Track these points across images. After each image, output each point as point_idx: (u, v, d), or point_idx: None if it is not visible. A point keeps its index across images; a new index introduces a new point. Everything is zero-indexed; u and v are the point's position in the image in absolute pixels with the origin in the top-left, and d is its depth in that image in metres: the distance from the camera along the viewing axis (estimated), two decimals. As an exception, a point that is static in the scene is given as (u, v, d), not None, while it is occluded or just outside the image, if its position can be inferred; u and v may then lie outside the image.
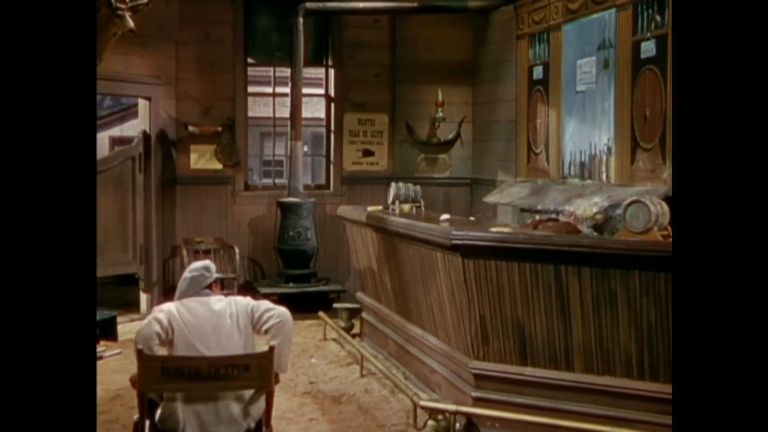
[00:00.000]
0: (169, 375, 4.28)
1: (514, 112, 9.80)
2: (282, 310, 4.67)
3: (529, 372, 5.71)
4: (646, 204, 5.46)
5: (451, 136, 10.91)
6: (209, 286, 4.79)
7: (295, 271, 10.04)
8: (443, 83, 10.71)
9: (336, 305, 9.28)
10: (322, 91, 11.26)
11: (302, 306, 9.74)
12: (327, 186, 11.10)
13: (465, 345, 6.03)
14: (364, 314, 8.66)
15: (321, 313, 9.12)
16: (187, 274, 4.80)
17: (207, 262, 4.90)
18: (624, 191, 7.44)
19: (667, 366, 5.20)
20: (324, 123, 11.19)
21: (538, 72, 9.26)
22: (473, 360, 5.94)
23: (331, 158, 11.01)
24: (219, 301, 4.69)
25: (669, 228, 5.66)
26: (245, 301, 4.76)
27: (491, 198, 9.75)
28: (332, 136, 10.99)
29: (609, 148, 7.93)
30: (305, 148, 17.02)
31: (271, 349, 4.41)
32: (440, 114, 10.66)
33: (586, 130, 8.28)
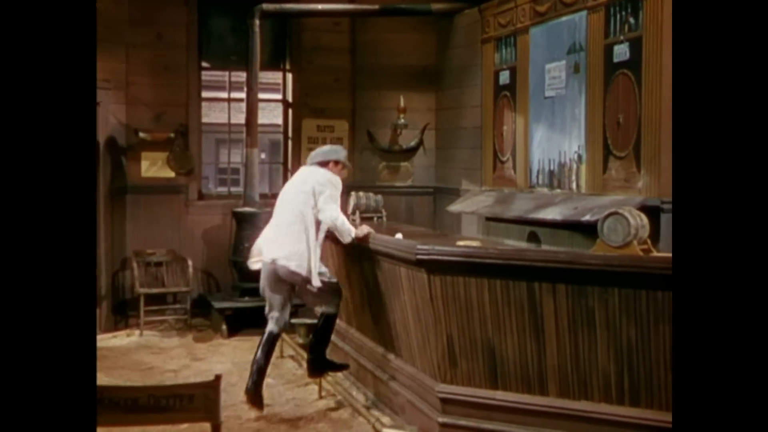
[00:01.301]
0: (103, 406, 3.81)
1: (479, 118, 9.45)
2: (328, 215, 6.14)
3: (500, 396, 5.33)
4: (625, 216, 5.10)
5: (413, 144, 10.58)
6: (317, 162, 6.38)
7: (250, 284, 9.45)
8: (405, 89, 10.38)
9: (294, 320, 8.82)
10: (279, 96, 10.86)
11: (258, 321, 9.29)
12: None
13: (431, 366, 5.63)
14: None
15: (278, 329, 8.66)
16: None
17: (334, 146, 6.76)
18: (595, 201, 7.10)
19: (649, 390, 4.85)
20: (281, 129, 10.77)
21: (504, 77, 8.91)
22: (440, 383, 5.55)
23: (289, 166, 10.59)
24: (305, 170, 6.43)
25: (649, 241, 5.31)
26: (316, 179, 6.24)
27: (455, 207, 9.39)
28: (290, 143, 10.59)
29: (580, 156, 7.59)
30: (262, 156, 16.61)
31: (217, 378, 3.98)
32: (402, 121, 10.33)
33: (556, 138, 7.94)
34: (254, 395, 6.43)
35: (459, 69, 10.06)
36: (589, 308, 4.92)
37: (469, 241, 5.67)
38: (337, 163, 6.48)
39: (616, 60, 7.05)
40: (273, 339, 6.58)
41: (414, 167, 10.67)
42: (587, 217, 6.82)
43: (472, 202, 9.09)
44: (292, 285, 6.42)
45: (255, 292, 9.40)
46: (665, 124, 6.52)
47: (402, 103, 10.26)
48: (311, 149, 10.14)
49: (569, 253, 5.24)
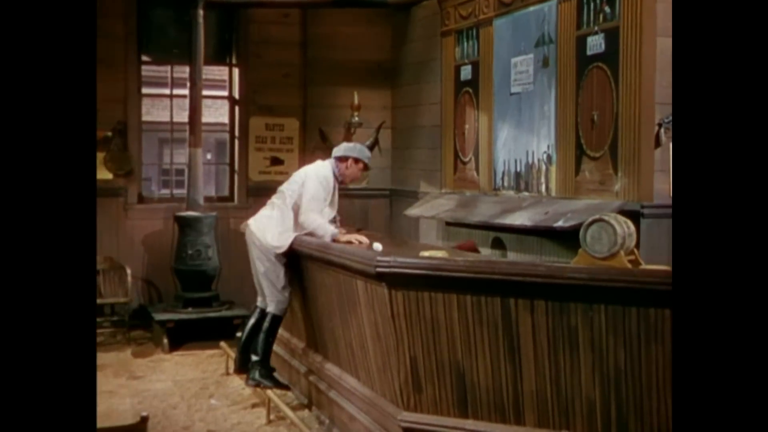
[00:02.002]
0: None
1: (438, 116, 8.92)
2: (302, 219, 6.20)
3: (471, 425, 4.74)
4: (611, 224, 4.54)
5: (368, 143, 9.71)
6: (338, 157, 6.39)
7: (194, 294, 8.91)
8: (360, 85, 9.78)
9: (240, 334, 8.17)
10: (225, 93, 10.25)
11: (203, 334, 8.75)
12: (231, 198, 10.06)
13: (392, 392, 5.03)
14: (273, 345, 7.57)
15: (223, 344, 8.03)
16: None
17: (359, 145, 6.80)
18: (568, 205, 6.57)
19: (639, 418, 4.29)
20: (228, 128, 10.12)
21: (466, 72, 8.37)
22: (402, 410, 4.95)
23: (236, 167, 9.96)
24: (318, 162, 6.56)
25: (636, 252, 4.76)
26: (313, 172, 6.39)
27: (413, 211, 8.82)
28: (236, 142, 9.96)
29: (549, 157, 7.06)
30: (208, 156, 15.91)
31: (144, 420, 3.36)
32: (356, 119, 9.71)
33: (523, 137, 7.41)
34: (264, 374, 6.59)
35: (417, 64, 9.54)
36: (571, 327, 4.35)
37: (435, 252, 5.08)
38: (357, 161, 6.42)
39: (590, 52, 6.53)
40: (272, 320, 6.56)
41: (369, 168, 9.95)
42: (560, 223, 6.27)
43: (432, 206, 8.53)
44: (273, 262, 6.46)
45: (199, 303, 8.87)
46: (645, 122, 6.00)
47: (356, 101, 9.66)
48: (259, 149, 9.78)
49: (549, 266, 4.65)
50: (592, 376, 4.37)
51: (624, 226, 4.57)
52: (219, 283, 9.16)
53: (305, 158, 9.59)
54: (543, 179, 7.15)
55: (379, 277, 4.83)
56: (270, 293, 6.52)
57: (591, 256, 4.57)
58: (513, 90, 7.57)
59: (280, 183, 9.32)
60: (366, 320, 5.25)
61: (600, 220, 4.59)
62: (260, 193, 9.56)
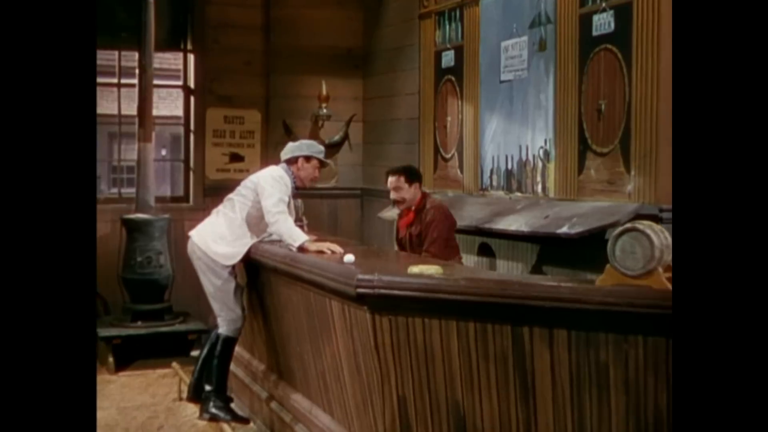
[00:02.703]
0: None
1: (416, 108, 8.09)
2: (273, 222, 5.40)
3: (473, 480, 3.87)
4: (647, 234, 3.68)
5: (337, 138, 9.21)
6: (288, 160, 5.76)
7: (144, 306, 7.97)
8: (328, 74, 9.01)
9: (195, 353, 7.26)
10: (179, 82, 9.29)
11: (153, 351, 7.83)
12: (186, 198, 9.13)
13: (375, 436, 4.15)
14: (232, 366, 6.65)
15: (175, 365, 7.12)
16: None
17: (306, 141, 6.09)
18: (571, 208, 5.74)
19: (683, 476, 3.43)
20: (182, 121, 9.20)
21: (448, 58, 7.54)
22: (388, 459, 4.07)
23: (191, 164, 9.04)
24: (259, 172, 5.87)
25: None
26: (263, 175, 5.71)
27: (388, 213, 7.93)
28: (192, 136, 9.04)
29: (547, 153, 6.22)
30: (163, 152, 14.92)
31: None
32: (324, 111, 8.97)
33: (515, 130, 6.58)
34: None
35: (391, 50, 8.70)
36: (600, 363, 3.50)
37: (426, 267, 4.19)
38: (308, 159, 5.77)
39: (596, 33, 5.69)
40: (225, 344, 5.82)
41: (338, 165, 9.27)
42: (565, 230, 5.43)
43: None
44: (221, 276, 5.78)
45: (150, 316, 7.92)
46: (663, 112, 5.16)
47: (324, 91, 8.93)
48: (217, 144, 8.89)
49: (573, 287, 3.77)
50: (626, 423, 3.52)
51: (661, 237, 3.71)
52: (172, 294, 8.23)
53: (268, 154, 8.81)
54: (539, 178, 6.32)
55: (360, 299, 3.95)
56: (220, 312, 5.78)
57: (621, 273, 3.70)
58: (503, 77, 6.74)
59: (240, 182, 8.63)
60: (342, 349, 4.37)
61: (633, 229, 3.72)
62: (218, 193, 8.55)
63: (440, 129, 7.66)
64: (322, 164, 5.87)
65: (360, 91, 9.34)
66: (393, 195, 6.10)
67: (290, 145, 5.90)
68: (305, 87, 9.04)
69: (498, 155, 6.82)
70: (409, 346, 3.89)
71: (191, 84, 9.03)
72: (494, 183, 6.89)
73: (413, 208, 6.04)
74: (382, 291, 3.87)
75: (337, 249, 5.11)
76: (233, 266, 5.72)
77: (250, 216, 5.67)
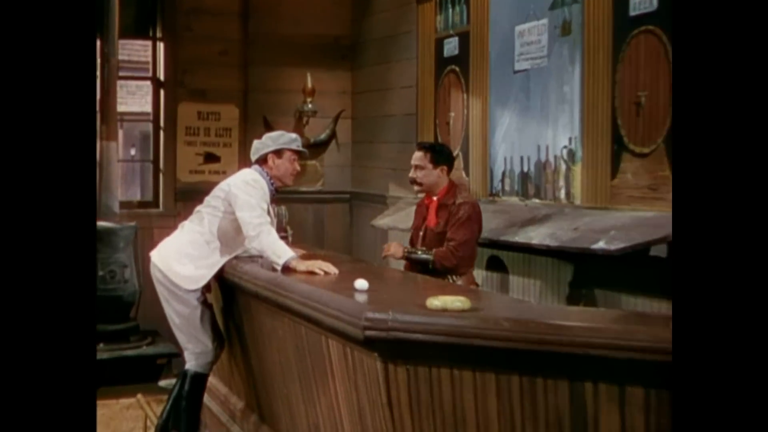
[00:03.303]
0: None
1: (413, 103, 7.28)
2: (253, 235, 4.54)
3: None
4: None
5: (323, 137, 8.47)
6: (258, 161, 4.95)
7: (107, 326, 7.05)
8: (313, 66, 8.28)
9: (163, 383, 6.38)
10: (148, 73, 8.53)
11: (117, 377, 6.91)
12: (155, 203, 8.31)
13: None
14: (206, 399, 5.74)
15: (140, 397, 6.20)
16: None
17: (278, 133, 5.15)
18: (605, 219, 4.90)
19: None
20: (151, 117, 8.40)
21: (451, 47, 6.74)
22: None
23: (161, 164, 8.25)
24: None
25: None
26: (233, 181, 4.86)
27: (383, 221, 7.15)
28: (162, 134, 8.25)
29: (571, 153, 5.40)
30: (132, 152, 13.97)
31: None
32: (309, 106, 8.21)
33: (532, 127, 5.77)
34: None
35: (384, 39, 7.89)
36: None
37: (450, 299, 3.31)
38: (279, 153, 4.95)
39: (634, 12, 4.86)
40: (194, 382, 5.03)
41: (324, 167, 8.55)
42: (601, 245, 4.58)
43: (407, 215, 6.82)
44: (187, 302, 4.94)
45: (113, 337, 7.06)
46: (721, 105, 4.31)
47: (309, 84, 8.17)
48: (189, 143, 8.14)
49: (655, 333, 2.89)
50: None
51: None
52: (139, 312, 7.37)
53: (247, 154, 7.90)
54: (562, 182, 5.49)
55: (369, 344, 3.08)
56: (187, 345, 4.99)
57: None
58: (518, 67, 5.92)
59: (216, 185, 7.92)
60: (343, 401, 3.49)
61: None
62: (191, 197, 7.83)
63: (442, 126, 6.86)
64: (298, 154, 5.05)
65: (349, 84, 8.60)
66: (411, 173, 5.25)
67: (255, 143, 5.13)
68: (288, 80, 8.31)
69: (511, 156, 6.01)
70: (432, 405, 3.02)
71: (161, 76, 8.25)
72: (507, 187, 6.08)
73: (436, 197, 5.17)
74: (399, 334, 2.99)
75: (331, 269, 4.29)
76: (201, 290, 4.85)
77: (221, 230, 4.85)
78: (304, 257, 4.50)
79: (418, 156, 5.25)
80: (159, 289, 4.93)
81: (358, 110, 8.50)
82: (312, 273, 4.26)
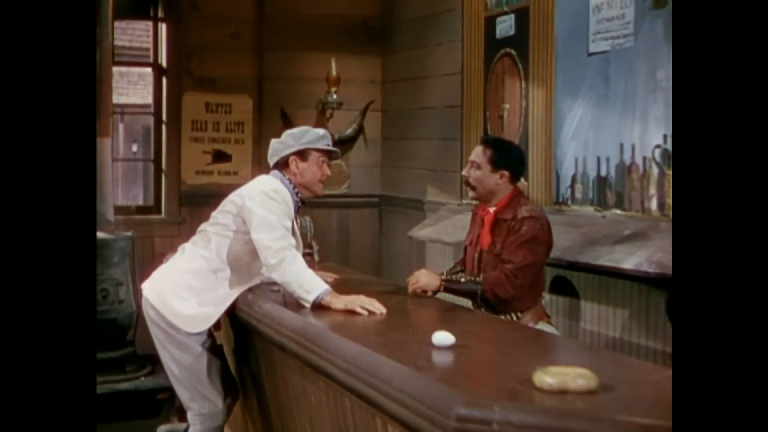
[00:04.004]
0: None
1: (457, 93, 6.34)
2: (273, 264, 3.62)
3: None
4: None
5: (349, 132, 7.60)
6: (277, 165, 4.04)
7: (99, 353, 6.02)
8: (338, 50, 7.38)
9: (164, 428, 5.38)
10: (148, 59, 7.67)
11: (111, 414, 5.95)
12: (156, 209, 7.43)
13: None
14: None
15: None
16: None
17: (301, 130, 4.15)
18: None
19: None
20: (152, 110, 7.55)
21: (505, 26, 5.79)
22: None
23: (163, 164, 7.37)
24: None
25: None
26: (248, 191, 3.91)
27: (423, 232, 6.24)
28: (164, 129, 7.37)
29: (667, 154, 4.40)
30: (134, 149, 13.05)
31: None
32: (334, 97, 7.30)
33: (612, 121, 4.80)
34: None
35: (422, 19, 6.96)
36: None
37: (570, 373, 2.28)
38: (303, 155, 4.03)
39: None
40: None
41: (351, 167, 7.69)
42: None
43: (452, 225, 5.92)
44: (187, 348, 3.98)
45: (107, 367, 6.18)
46: None
47: (333, 72, 7.25)
48: (196, 140, 7.32)
49: None
50: None
51: None
52: (137, 336, 6.40)
53: (261, 153, 7.16)
54: (653, 190, 4.50)
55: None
56: (191, 403, 4.03)
57: None
58: (594, 48, 4.94)
59: (227, 188, 7.16)
60: None
61: None
62: (198, 202, 7.18)
63: (493, 120, 5.91)
64: (328, 155, 4.11)
65: (378, 72, 7.72)
66: (464, 170, 4.24)
67: (274, 144, 4.17)
68: (309, 67, 7.47)
69: (584, 156, 5.03)
70: None
71: (162, 62, 7.37)
72: (578, 195, 5.08)
73: (493, 209, 4.14)
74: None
75: (377, 307, 3.37)
76: (208, 332, 3.87)
77: (233, 255, 3.92)
78: (337, 287, 3.53)
79: (477, 151, 4.22)
80: (153, 331, 3.96)
81: (389, 102, 7.62)
82: (352, 312, 3.32)
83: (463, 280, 3.96)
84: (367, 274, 6.27)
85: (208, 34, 7.27)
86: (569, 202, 5.14)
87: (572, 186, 5.12)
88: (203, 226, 4.02)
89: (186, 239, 6.81)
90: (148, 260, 6.71)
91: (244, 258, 3.83)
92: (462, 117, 6.22)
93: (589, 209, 4.97)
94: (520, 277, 3.94)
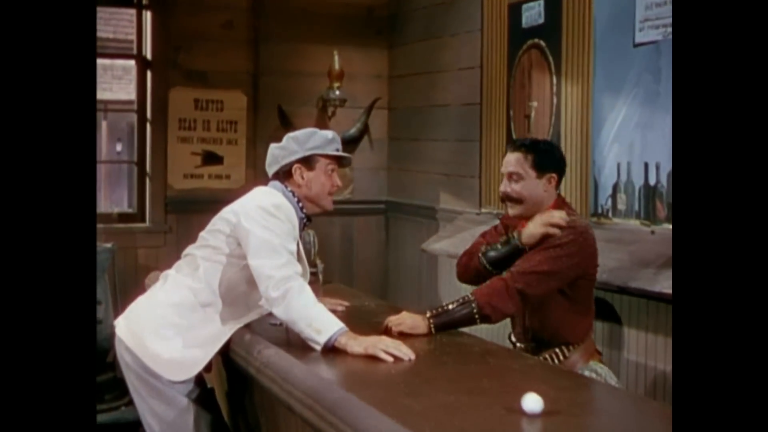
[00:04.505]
0: None
1: (475, 89, 5.69)
2: (274, 297, 3.01)
3: None
4: None
5: (353, 132, 6.91)
6: (278, 175, 3.44)
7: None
8: (341, 42, 6.76)
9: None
10: (132, 51, 6.93)
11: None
12: (140, 216, 6.73)
13: None
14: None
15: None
16: None
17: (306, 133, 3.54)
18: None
19: None
20: (135, 106, 6.83)
21: (532, 14, 5.16)
22: None
23: (148, 168, 6.67)
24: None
25: None
26: (243, 208, 3.28)
27: (438, 245, 5.61)
28: (149, 128, 6.68)
29: (734, 161, 3.74)
30: (118, 148, 12.38)
31: None
32: (336, 93, 6.67)
33: (663, 122, 4.17)
34: None
35: (435, 8, 6.29)
36: None
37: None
38: (308, 163, 3.47)
39: None
40: None
41: (354, 170, 6.96)
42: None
43: (473, 238, 5.24)
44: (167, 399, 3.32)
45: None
46: None
47: (336, 65, 6.60)
48: (184, 140, 6.70)
49: None
50: None
51: None
52: (117, 360, 5.76)
53: (257, 155, 6.56)
54: (715, 203, 3.84)
55: None
56: None
57: None
58: (641, 38, 4.32)
59: (219, 194, 6.62)
60: None
61: None
62: (186, 209, 6.54)
63: (518, 120, 5.27)
64: (338, 162, 3.57)
65: (385, 66, 7.04)
66: (503, 186, 3.58)
67: (273, 150, 3.55)
68: (309, 60, 6.84)
69: (629, 162, 4.42)
70: None
71: (147, 54, 6.65)
72: (620, 206, 4.47)
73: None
74: None
75: (405, 353, 2.77)
76: (195, 379, 3.22)
77: (226, 285, 3.29)
78: (348, 319, 2.92)
79: (513, 159, 3.57)
80: (129, 378, 3.33)
81: (397, 99, 6.94)
82: (374, 357, 2.71)
83: (451, 307, 3.32)
84: (376, 296, 5.69)
85: (197, 23, 6.61)
86: (609, 214, 4.52)
87: (613, 196, 4.50)
88: (189, 249, 3.38)
89: (172, 250, 6.30)
90: (130, 275, 6.12)
91: (240, 288, 3.19)
92: (481, 116, 5.60)
93: (634, 222, 4.36)
94: (520, 282, 3.32)
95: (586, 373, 3.38)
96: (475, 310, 3.27)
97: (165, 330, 3.17)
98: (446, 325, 3.30)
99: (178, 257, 3.72)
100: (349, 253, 6.81)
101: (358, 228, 6.91)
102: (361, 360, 2.75)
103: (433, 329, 3.24)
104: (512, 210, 3.59)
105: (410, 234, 6.40)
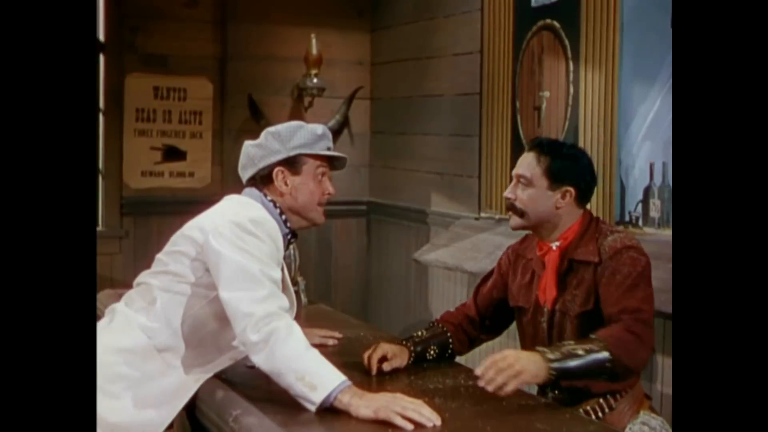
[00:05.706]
0: None
1: (474, 77, 5.14)
2: (255, 341, 2.40)
3: None
4: None
5: (332, 124, 6.31)
6: (254, 180, 2.84)
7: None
8: (319, 24, 6.23)
9: None
10: None
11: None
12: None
13: None
14: None
15: None
16: None
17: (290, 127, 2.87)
18: None
19: None
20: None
21: None
22: None
23: (100, 165, 6.13)
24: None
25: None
26: (212, 223, 2.64)
27: (432, 256, 5.03)
28: (101, 119, 6.13)
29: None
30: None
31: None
32: (314, 81, 6.14)
33: None
34: None
35: None
36: None
37: None
38: (293, 165, 2.84)
39: None
40: None
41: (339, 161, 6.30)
42: None
43: (472, 247, 4.78)
44: None
45: None
46: None
47: (314, 50, 6.08)
48: (142, 133, 6.12)
49: None
50: None
51: None
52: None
53: (224, 150, 6.12)
54: None
55: None
56: None
57: None
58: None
59: (182, 194, 6.09)
60: None
61: None
62: (144, 211, 6.02)
63: (525, 112, 4.71)
64: (329, 163, 2.96)
65: (368, 51, 6.51)
66: (508, 190, 2.99)
67: (248, 148, 2.93)
68: (283, 44, 6.31)
69: (663, 163, 3.87)
70: None
71: (99, 36, 6.10)
72: (653, 213, 3.93)
73: (557, 244, 2.89)
74: None
75: (428, 416, 2.22)
76: None
77: (190, 323, 2.66)
78: (344, 368, 2.29)
79: (526, 161, 2.95)
80: None
81: (381, 88, 6.39)
82: (386, 423, 2.10)
83: (580, 351, 2.56)
84: (356, 308, 5.07)
85: (157, 0, 6.07)
86: (640, 222, 3.94)
87: (645, 200, 3.95)
88: (143, 276, 2.72)
89: (129, 259, 5.66)
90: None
91: (208, 327, 2.55)
92: (481, 107, 5.02)
93: (668, 232, 3.79)
94: (647, 330, 2.68)
95: (637, 428, 2.76)
96: (608, 360, 2.55)
97: (111, 385, 2.50)
98: (571, 372, 2.57)
99: (135, 267, 3.10)
100: (327, 259, 6.25)
101: (337, 232, 6.34)
102: (369, 426, 2.12)
103: (553, 376, 2.53)
104: (512, 221, 2.96)
105: (395, 239, 5.82)
